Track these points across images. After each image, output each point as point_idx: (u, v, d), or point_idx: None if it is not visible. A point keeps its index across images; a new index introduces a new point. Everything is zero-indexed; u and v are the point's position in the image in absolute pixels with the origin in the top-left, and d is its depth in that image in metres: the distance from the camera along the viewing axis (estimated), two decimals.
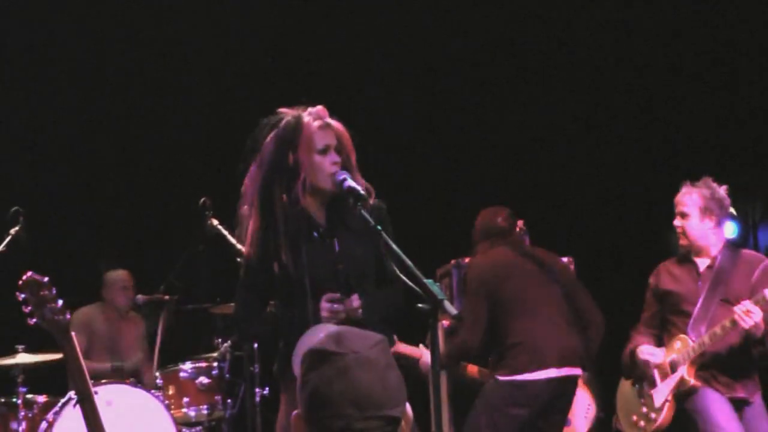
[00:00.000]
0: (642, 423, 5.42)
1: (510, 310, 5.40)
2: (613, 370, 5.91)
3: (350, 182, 3.93)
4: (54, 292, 3.76)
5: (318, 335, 2.15)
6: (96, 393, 3.76)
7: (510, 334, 5.40)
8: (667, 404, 5.31)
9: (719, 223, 5.43)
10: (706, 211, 5.37)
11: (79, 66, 8.17)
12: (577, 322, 5.50)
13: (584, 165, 8.56)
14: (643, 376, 5.44)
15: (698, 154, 8.53)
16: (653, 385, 5.39)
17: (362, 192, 3.90)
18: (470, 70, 8.70)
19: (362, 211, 3.87)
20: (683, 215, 5.40)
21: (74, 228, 8.15)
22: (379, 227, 3.81)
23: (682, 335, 5.30)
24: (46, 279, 3.78)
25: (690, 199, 5.40)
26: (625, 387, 5.62)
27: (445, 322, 5.64)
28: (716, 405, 5.17)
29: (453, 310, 3.52)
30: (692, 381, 5.24)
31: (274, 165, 4.00)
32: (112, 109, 8.28)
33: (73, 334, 3.78)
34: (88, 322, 7.43)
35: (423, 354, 5.97)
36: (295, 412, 2.14)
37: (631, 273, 8.45)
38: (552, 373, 5.32)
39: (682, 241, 5.43)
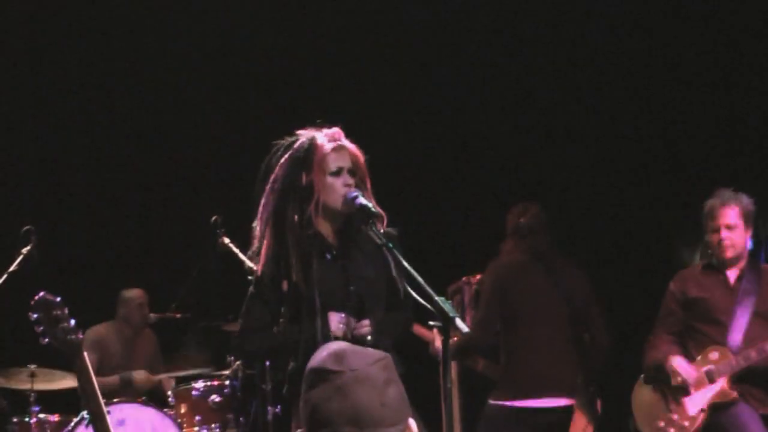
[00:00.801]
0: (672, 430, 5.32)
1: (514, 324, 5.39)
2: (616, 389, 5.89)
3: (362, 199, 3.94)
4: (66, 311, 3.76)
5: (321, 354, 2.14)
6: (109, 412, 3.76)
7: (508, 353, 5.40)
8: (702, 414, 5.26)
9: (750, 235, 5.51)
10: (747, 222, 5.45)
11: (90, 82, 8.19)
12: (576, 346, 5.47)
13: (597, 178, 8.54)
14: (669, 383, 5.37)
15: (703, 165, 8.52)
16: (686, 392, 5.31)
17: (374, 210, 3.91)
18: (482, 92, 8.71)
19: (373, 230, 3.89)
20: (730, 227, 5.40)
21: (86, 247, 8.16)
22: (390, 244, 3.83)
23: (718, 346, 5.28)
24: (58, 299, 3.78)
25: (734, 211, 5.41)
26: (645, 390, 5.54)
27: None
28: (753, 422, 5.16)
29: (465, 327, 3.52)
30: (734, 394, 5.21)
31: (288, 186, 4.02)
32: (123, 126, 8.30)
33: (85, 353, 3.78)
34: (101, 340, 7.44)
35: (436, 337, 5.96)
36: (299, 431, 2.15)
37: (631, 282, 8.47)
38: (545, 402, 5.31)
39: (728, 254, 5.40)
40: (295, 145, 4.07)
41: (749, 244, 5.51)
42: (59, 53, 8.11)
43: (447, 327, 3.48)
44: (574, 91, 8.55)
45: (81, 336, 3.79)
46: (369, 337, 3.91)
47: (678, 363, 5.33)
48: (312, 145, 4.03)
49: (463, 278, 6.43)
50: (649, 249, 8.35)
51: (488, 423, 5.39)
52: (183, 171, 8.32)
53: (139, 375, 7.32)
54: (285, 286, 3.97)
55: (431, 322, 3.62)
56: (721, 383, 5.23)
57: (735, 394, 5.22)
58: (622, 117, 8.51)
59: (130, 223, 8.35)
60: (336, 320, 3.94)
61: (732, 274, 5.44)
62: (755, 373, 5.21)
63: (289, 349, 3.96)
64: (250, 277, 4.21)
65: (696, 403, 5.28)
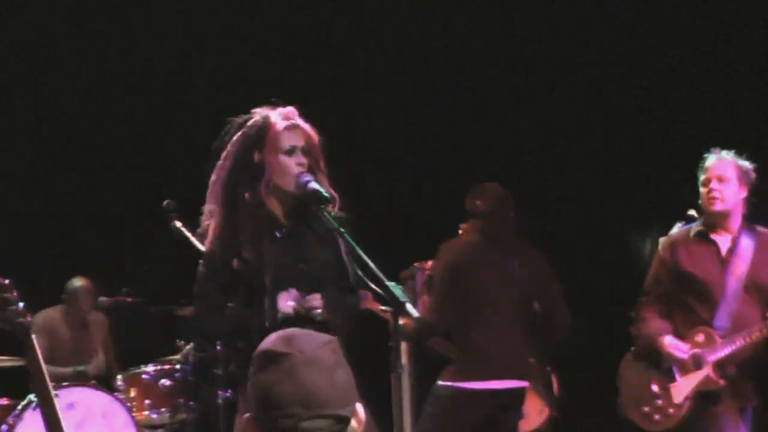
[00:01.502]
0: (657, 416, 5.19)
1: (464, 307, 5.40)
2: (574, 370, 5.92)
3: (314, 185, 3.93)
4: (16, 294, 3.73)
5: (270, 337, 2.15)
6: (57, 396, 3.73)
7: (459, 335, 5.42)
8: (688, 403, 5.11)
9: (744, 198, 5.17)
10: (741, 180, 5.12)
11: (40, 61, 8.11)
12: (528, 328, 5.48)
13: (548, 166, 8.60)
14: (659, 363, 5.21)
15: (656, 158, 8.60)
16: (672, 378, 5.17)
17: (326, 194, 3.91)
18: (433, 73, 8.72)
19: (325, 213, 3.89)
20: (721, 179, 5.09)
21: (36, 230, 8.09)
22: (342, 229, 3.83)
23: (705, 328, 5.09)
24: (7, 281, 3.75)
25: (728, 164, 5.12)
26: (631, 373, 5.36)
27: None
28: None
29: (415, 312, 3.54)
30: (721, 382, 5.05)
31: (239, 164, 4.01)
32: (74, 108, 8.23)
33: (34, 337, 3.75)
34: (50, 325, 7.39)
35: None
36: (247, 414, 2.15)
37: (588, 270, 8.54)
38: (495, 384, 5.32)
39: (716, 206, 5.10)
40: (249, 123, 4.05)
41: (741, 206, 5.16)
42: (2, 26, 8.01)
43: (398, 312, 3.50)
44: (532, 71, 8.60)
45: (30, 319, 3.76)
46: (319, 310, 3.89)
47: (671, 345, 5.13)
48: (266, 123, 4.01)
49: (416, 263, 6.45)
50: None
51: (436, 403, 5.39)
52: (135, 154, 8.26)
53: (93, 367, 7.33)
54: (236, 264, 3.94)
55: (383, 307, 3.64)
56: (707, 370, 5.06)
57: (722, 382, 5.04)
58: (605, 111, 8.58)
59: (82, 206, 8.28)
60: (285, 298, 3.92)
61: (723, 243, 5.16)
62: (741, 361, 5.03)
63: (244, 330, 3.93)
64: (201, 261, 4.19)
65: (682, 390, 5.13)
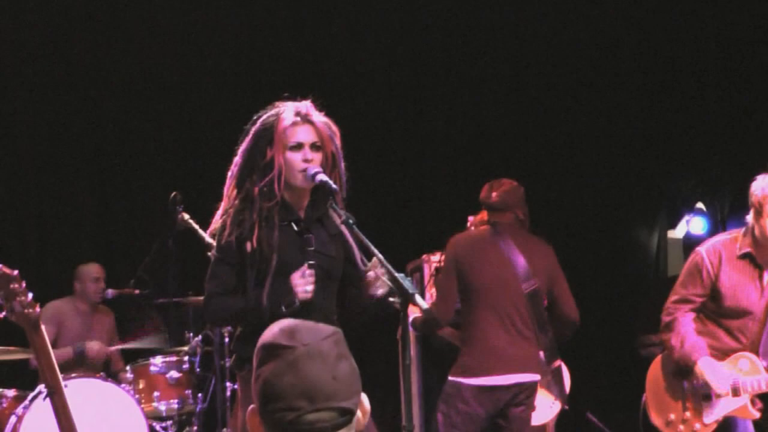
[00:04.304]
0: (682, 427, 5.07)
1: (472, 300, 5.39)
2: (584, 364, 5.91)
3: (322, 176, 3.93)
4: (24, 285, 3.74)
5: (272, 330, 2.14)
6: (66, 386, 3.75)
7: (468, 329, 5.41)
8: (715, 424, 4.99)
9: None
10: None
11: (52, 52, 8.10)
12: (536, 323, 5.46)
13: (559, 163, 8.60)
14: (688, 377, 5.05)
15: (664, 152, 8.60)
16: (707, 397, 5.00)
17: (333, 186, 3.91)
18: (440, 67, 8.72)
19: (334, 205, 3.89)
20: None
21: (44, 222, 8.10)
22: (351, 220, 3.84)
23: (749, 354, 4.95)
24: (15, 272, 3.76)
25: None
26: (662, 376, 5.20)
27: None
28: None
29: (424, 303, 3.54)
30: (756, 415, 4.93)
31: (250, 160, 4.02)
32: (83, 101, 8.23)
33: (42, 327, 3.76)
34: (58, 315, 7.41)
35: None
36: (251, 407, 2.15)
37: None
38: (505, 380, 5.31)
39: None
40: (260, 119, 4.06)
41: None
42: (18, 19, 8.00)
43: (406, 303, 3.50)
44: (539, 66, 8.60)
45: (38, 310, 3.77)
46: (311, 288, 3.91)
47: (710, 370, 4.94)
48: (276, 118, 4.02)
49: (423, 255, 6.45)
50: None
51: (447, 400, 5.40)
52: (143, 146, 8.27)
53: (92, 345, 7.30)
54: (248, 248, 3.95)
55: (391, 299, 3.64)
56: (745, 400, 4.93)
57: (757, 415, 4.93)
58: (594, 91, 8.57)
59: (90, 199, 8.29)
60: (298, 275, 3.92)
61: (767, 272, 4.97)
62: None
63: (255, 313, 3.92)
64: (210, 254, 4.19)
65: (715, 412, 5.00)
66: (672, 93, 8.52)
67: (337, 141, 4.06)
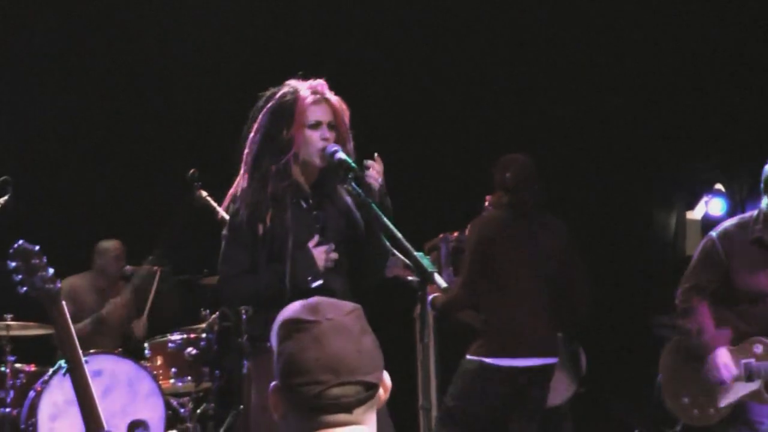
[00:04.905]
0: (696, 411, 5.11)
1: (493, 282, 5.40)
2: (602, 346, 5.89)
3: (341, 155, 3.93)
4: (44, 260, 3.76)
5: (294, 306, 2.15)
6: (86, 362, 3.77)
7: (488, 310, 5.41)
8: (729, 408, 5.01)
9: None
10: None
11: (68, 36, 8.12)
12: (555, 304, 5.45)
13: (585, 132, 8.57)
14: (702, 361, 5.04)
15: (683, 132, 8.56)
16: (722, 382, 5.00)
17: (353, 164, 3.91)
18: (466, 49, 8.69)
19: (353, 184, 3.89)
20: None
21: (64, 198, 8.13)
22: (370, 200, 3.83)
23: (763, 339, 4.95)
24: (36, 248, 3.78)
25: None
26: (677, 359, 5.23)
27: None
28: None
29: (443, 282, 3.54)
30: None
31: (267, 137, 4.02)
32: (102, 78, 8.25)
33: (63, 302, 3.78)
34: (76, 290, 7.45)
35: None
36: (273, 384, 2.15)
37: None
38: (524, 362, 5.32)
39: None
40: (277, 96, 4.05)
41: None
42: (37, 6, 8.03)
43: (424, 282, 3.50)
44: (558, 45, 8.56)
45: (59, 285, 3.79)
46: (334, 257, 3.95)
47: (724, 363, 4.97)
48: (294, 97, 4.01)
49: (441, 235, 6.45)
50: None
51: (465, 377, 5.41)
52: (161, 123, 8.28)
53: (107, 308, 7.34)
54: (260, 230, 3.96)
55: (410, 277, 3.63)
56: (759, 384, 4.96)
57: None
58: (610, 73, 8.53)
59: (108, 175, 8.32)
60: (320, 251, 3.95)
61: None
62: None
63: (277, 290, 3.91)
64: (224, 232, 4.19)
65: (728, 397, 5.02)
66: (692, 74, 8.48)
67: (347, 119, 4.07)
